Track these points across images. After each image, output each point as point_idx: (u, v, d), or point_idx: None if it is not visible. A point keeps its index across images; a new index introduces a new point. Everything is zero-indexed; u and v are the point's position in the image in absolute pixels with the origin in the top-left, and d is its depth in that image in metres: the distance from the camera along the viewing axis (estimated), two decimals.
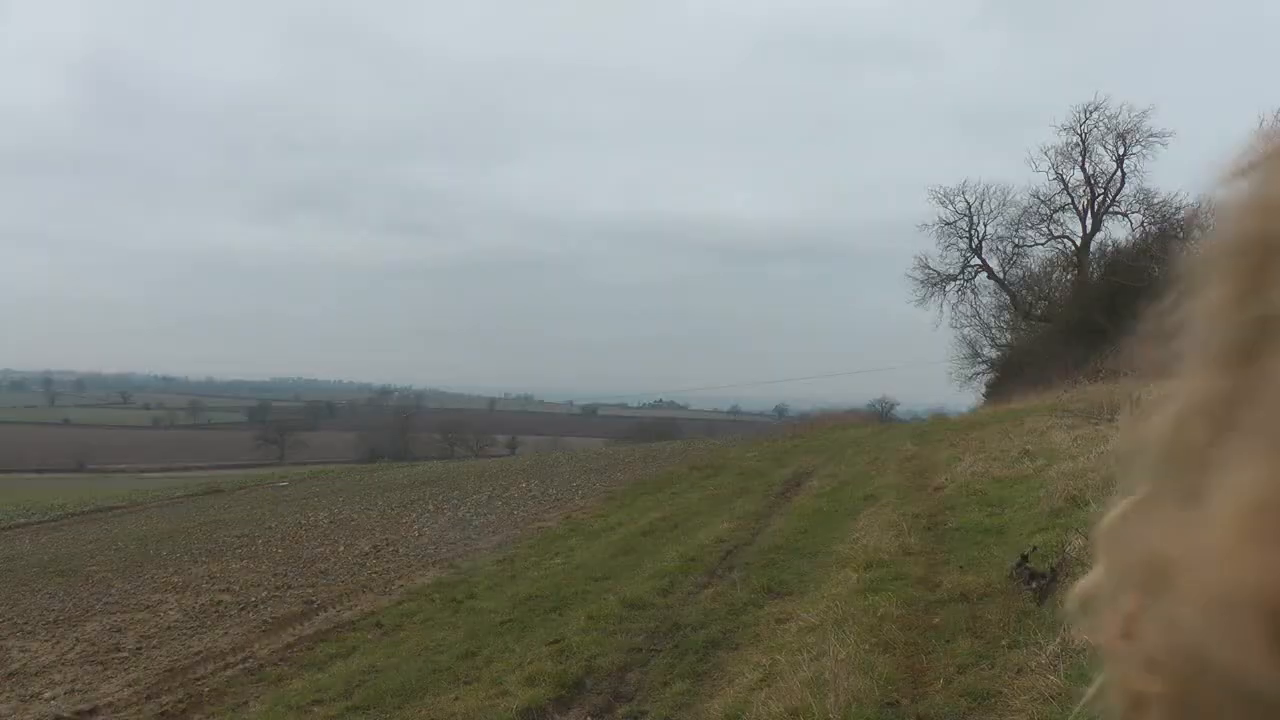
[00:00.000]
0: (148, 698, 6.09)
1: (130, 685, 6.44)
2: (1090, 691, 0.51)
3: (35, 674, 6.93)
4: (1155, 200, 28.92)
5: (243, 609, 8.55)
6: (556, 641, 5.64)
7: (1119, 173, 30.13)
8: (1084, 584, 0.51)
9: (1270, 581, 0.39)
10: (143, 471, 68.64)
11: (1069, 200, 31.00)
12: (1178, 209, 27.37)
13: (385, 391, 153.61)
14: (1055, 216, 31.32)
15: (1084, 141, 30.15)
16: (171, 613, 8.58)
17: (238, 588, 9.44)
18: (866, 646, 4.28)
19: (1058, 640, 3.69)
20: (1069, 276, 31.28)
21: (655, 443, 34.49)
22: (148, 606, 8.88)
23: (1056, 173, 30.86)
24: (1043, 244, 32.00)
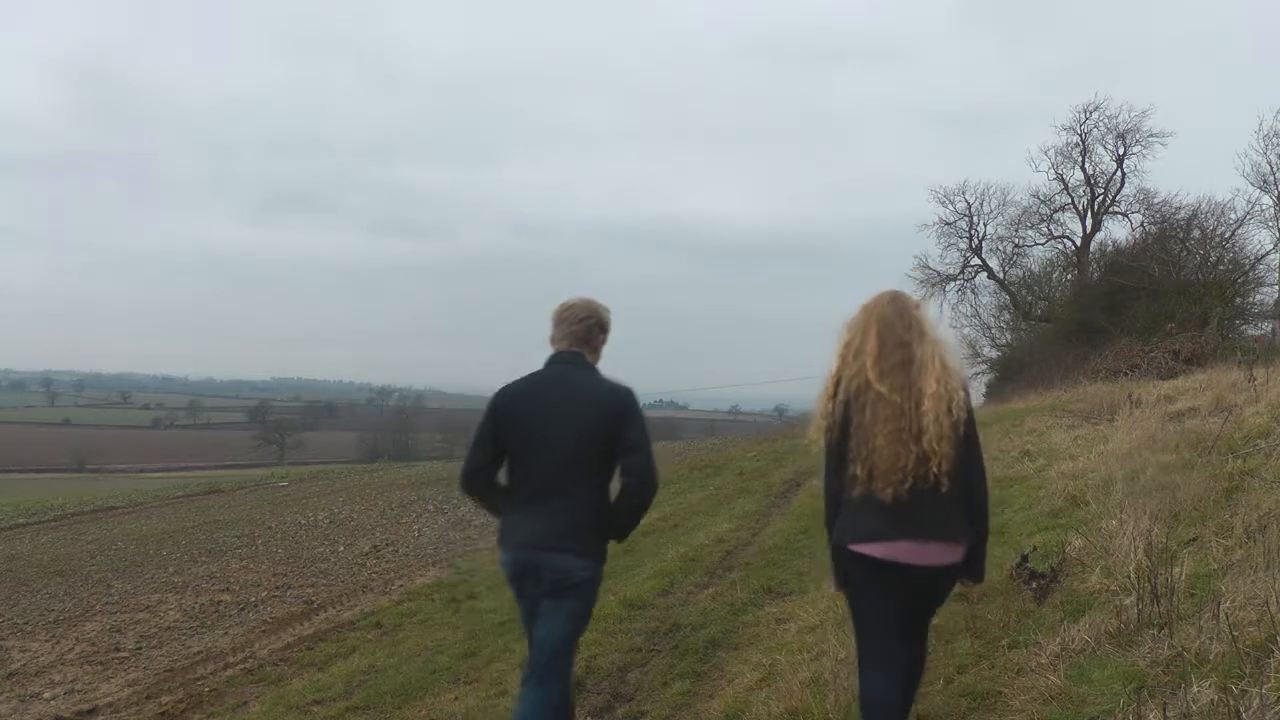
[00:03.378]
0: (148, 698, 6.08)
1: (130, 685, 6.44)
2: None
3: (35, 674, 6.92)
4: (1155, 200, 28.96)
5: (242, 609, 8.54)
6: None
7: (1119, 173, 30.20)
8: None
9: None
10: (143, 471, 68.63)
11: (1069, 200, 31.07)
12: (1178, 209, 27.39)
13: (385, 391, 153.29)
14: (1055, 216, 31.40)
15: (1084, 141, 30.22)
16: (171, 613, 8.57)
17: (237, 588, 9.44)
18: None
19: (1058, 640, 3.69)
20: (1069, 276, 31.30)
21: (655, 442, 34.43)
22: (147, 606, 8.88)
23: (1056, 173, 30.94)
24: (1043, 244, 32.07)
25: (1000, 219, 32.17)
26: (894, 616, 2.99)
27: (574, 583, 3.32)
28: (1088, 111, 29.75)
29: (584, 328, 3.47)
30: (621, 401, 3.37)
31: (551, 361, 3.46)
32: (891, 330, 3.03)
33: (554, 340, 3.48)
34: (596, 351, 3.50)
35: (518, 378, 3.47)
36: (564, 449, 3.31)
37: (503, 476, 3.49)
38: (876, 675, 2.97)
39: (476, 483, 3.48)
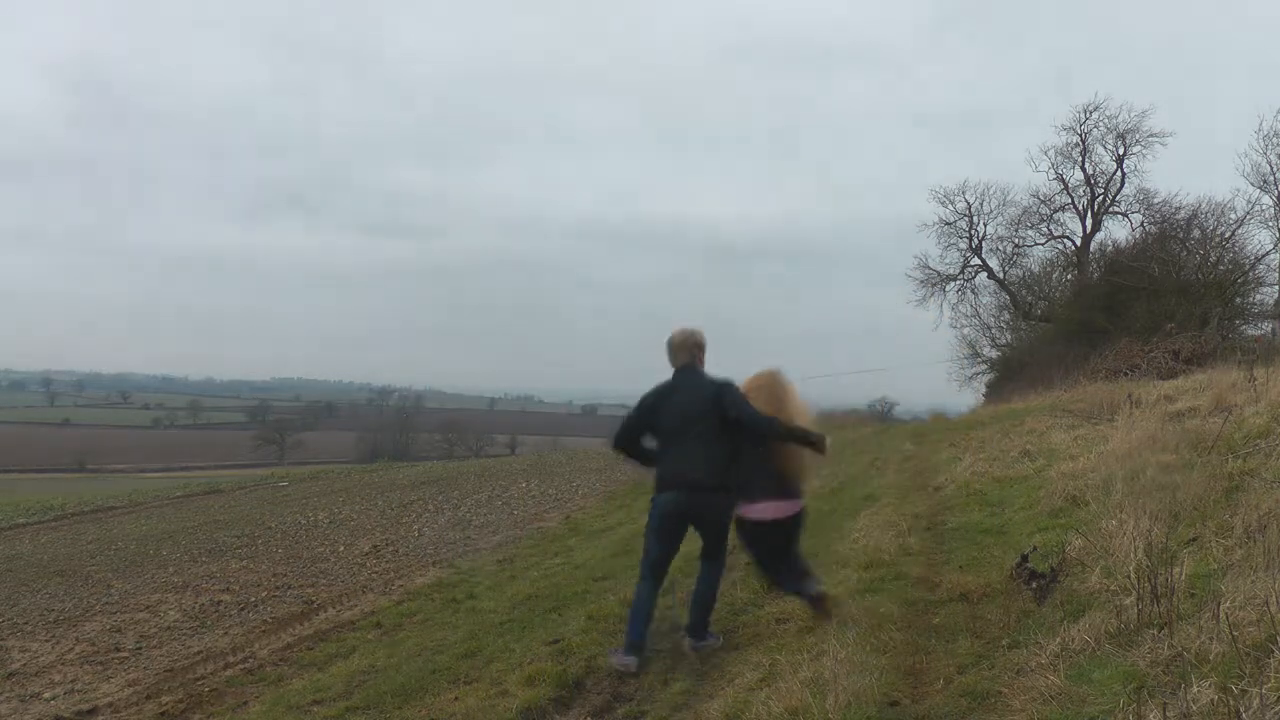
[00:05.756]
0: (147, 698, 6.09)
1: (130, 685, 6.44)
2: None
3: (35, 674, 6.93)
4: (1155, 200, 28.95)
5: (242, 609, 8.54)
6: (556, 641, 5.64)
7: (1119, 173, 30.18)
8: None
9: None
10: (143, 471, 68.65)
11: (1069, 200, 31.05)
12: (1178, 209, 27.38)
13: (385, 391, 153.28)
14: (1055, 216, 31.37)
15: (1084, 141, 30.21)
16: (171, 613, 8.57)
17: (237, 588, 9.44)
18: (866, 646, 4.28)
19: (1058, 640, 3.69)
20: (1069, 276, 31.29)
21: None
22: (147, 606, 8.88)
23: (1056, 173, 30.92)
24: (1043, 244, 32.06)
25: (1000, 219, 32.18)
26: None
27: (715, 511, 5.14)
28: (1087, 111, 29.77)
29: (690, 347, 5.34)
30: (721, 387, 5.16)
31: (677, 372, 5.31)
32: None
33: (675, 359, 5.31)
34: (702, 360, 5.35)
35: (656, 385, 5.27)
36: (691, 422, 5.07)
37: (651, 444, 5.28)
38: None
39: (624, 442, 5.33)
